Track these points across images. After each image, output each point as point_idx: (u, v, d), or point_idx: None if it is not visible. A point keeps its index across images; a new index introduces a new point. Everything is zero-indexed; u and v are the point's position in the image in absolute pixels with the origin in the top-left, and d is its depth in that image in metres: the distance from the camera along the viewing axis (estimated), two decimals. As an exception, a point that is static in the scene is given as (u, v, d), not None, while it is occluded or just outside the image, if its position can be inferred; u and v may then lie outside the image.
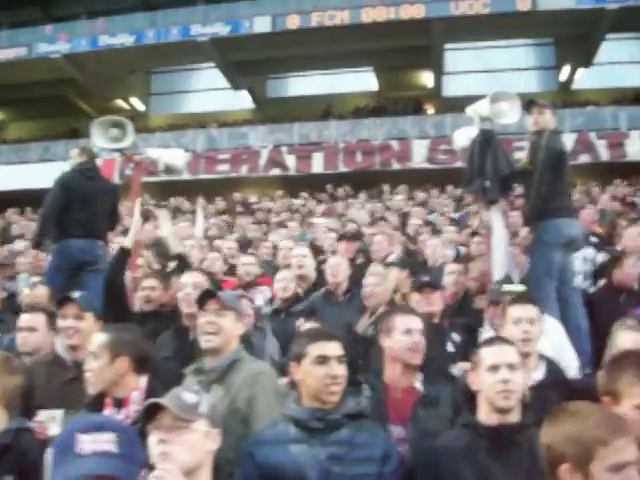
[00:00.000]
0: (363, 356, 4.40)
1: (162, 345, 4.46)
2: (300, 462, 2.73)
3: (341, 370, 2.83)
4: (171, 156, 7.23)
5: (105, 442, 1.65)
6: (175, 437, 2.31)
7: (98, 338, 3.18)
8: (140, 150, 7.08)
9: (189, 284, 4.50)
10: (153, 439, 2.32)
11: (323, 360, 2.83)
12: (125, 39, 25.75)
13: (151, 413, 2.36)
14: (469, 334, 4.83)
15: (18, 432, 2.97)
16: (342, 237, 7.75)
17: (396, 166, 21.32)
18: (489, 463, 2.71)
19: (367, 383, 3.42)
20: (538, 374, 3.56)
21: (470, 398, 2.95)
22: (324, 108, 27.07)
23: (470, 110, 5.97)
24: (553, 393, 3.37)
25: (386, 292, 5.19)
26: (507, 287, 4.65)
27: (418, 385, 3.41)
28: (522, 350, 3.27)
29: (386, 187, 16.84)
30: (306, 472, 2.70)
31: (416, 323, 3.48)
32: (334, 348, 2.88)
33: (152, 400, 2.39)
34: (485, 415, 2.85)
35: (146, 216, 11.29)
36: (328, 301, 5.66)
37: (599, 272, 6.33)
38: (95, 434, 1.58)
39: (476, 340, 4.47)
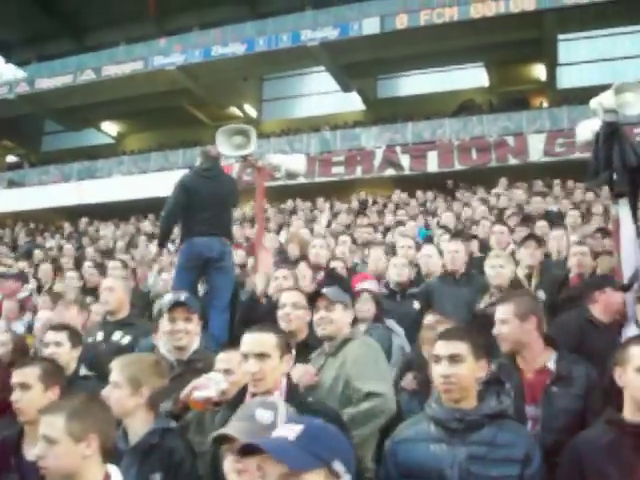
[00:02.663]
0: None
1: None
2: (439, 461, 2.74)
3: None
4: (292, 162, 7.36)
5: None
6: (251, 465, 2.17)
7: (265, 338, 3.15)
8: (261, 156, 7.24)
9: (288, 304, 4.45)
10: (228, 466, 2.28)
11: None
12: (237, 48, 26.33)
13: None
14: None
15: (164, 432, 3.12)
16: (454, 236, 7.66)
17: (513, 162, 20.93)
18: (635, 461, 2.63)
19: (500, 364, 3.49)
20: None
21: (616, 393, 2.87)
22: (434, 106, 26.83)
23: (594, 102, 5.78)
24: None
25: (510, 274, 5.28)
26: None
27: (551, 365, 3.42)
28: None
29: (503, 180, 16.44)
30: (445, 471, 2.71)
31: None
32: None
33: (222, 431, 2.32)
34: (631, 412, 2.76)
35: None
36: (445, 282, 5.79)
37: None
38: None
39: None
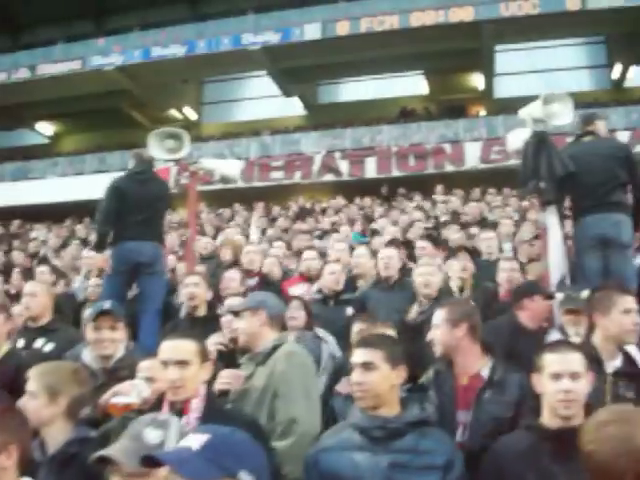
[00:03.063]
0: (413, 344, 4.47)
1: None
2: (362, 470, 2.73)
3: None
4: (227, 167, 7.33)
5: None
6: None
7: (184, 345, 3.11)
8: (196, 160, 7.19)
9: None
10: None
11: None
12: (177, 50, 25.99)
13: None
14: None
15: (83, 441, 3.02)
16: (390, 243, 7.68)
17: (449, 168, 21.23)
18: (552, 467, 2.68)
19: (436, 370, 3.56)
20: (617, 362, 3.53)
21: (536, 398, 2.93)
22: (375, 112, 27.07)
23: (523, 112, 5.94)
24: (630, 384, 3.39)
25: (438, 282, 5.32)
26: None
27: (485, 372, 3.43)
28: (630, 341, 3.50)
29: (440, 187, 16.67)
30: (368, 479, 2.71)
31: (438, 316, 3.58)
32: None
33: (103, 452, 2.23)
34: (548, 418, 2.82)
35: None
36: (379, 289, 5.80)
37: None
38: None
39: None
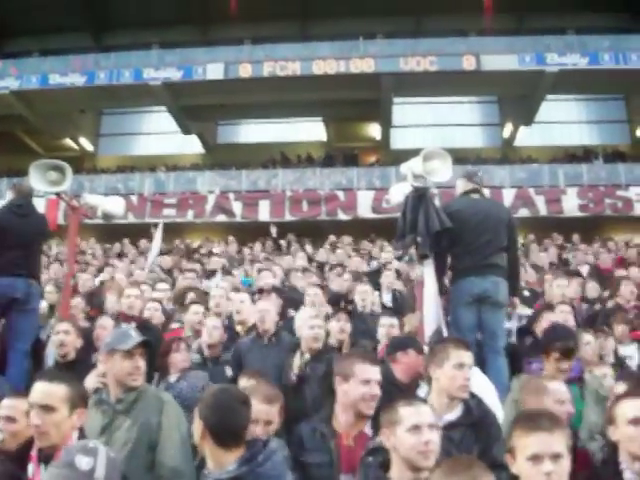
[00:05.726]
0: (294, 397, 4.46)
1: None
2: None
3: None
4: (110, 204, 7.21)
5: None
6: None
7: (53, 390, 3.02)
8: (79, 195, 7.05)
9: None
10: None
11: None
12: (76, 79, 25.55)
13: None
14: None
15: None
16: (260, 291, 7.67)
17: (342, 216, 21.61)
18: None
19: (317, 430, 3.47)
20: (453, 415, 3.49)
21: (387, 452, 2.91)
22: (272, 156, 27.30)
23: (404, 167, 6.03)
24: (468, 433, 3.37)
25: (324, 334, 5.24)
26: None
27: (368, 430, 3.38)
28: (460, 396, 3.46)
29: (332, 237, 16.83)
30: None
31: (375, 373, 3.47)
32: None
33: None
34: (398, 473, 2.81)
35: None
36: (255, 344, 5.61)
37: (525, 327, 6.33)
38: None
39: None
